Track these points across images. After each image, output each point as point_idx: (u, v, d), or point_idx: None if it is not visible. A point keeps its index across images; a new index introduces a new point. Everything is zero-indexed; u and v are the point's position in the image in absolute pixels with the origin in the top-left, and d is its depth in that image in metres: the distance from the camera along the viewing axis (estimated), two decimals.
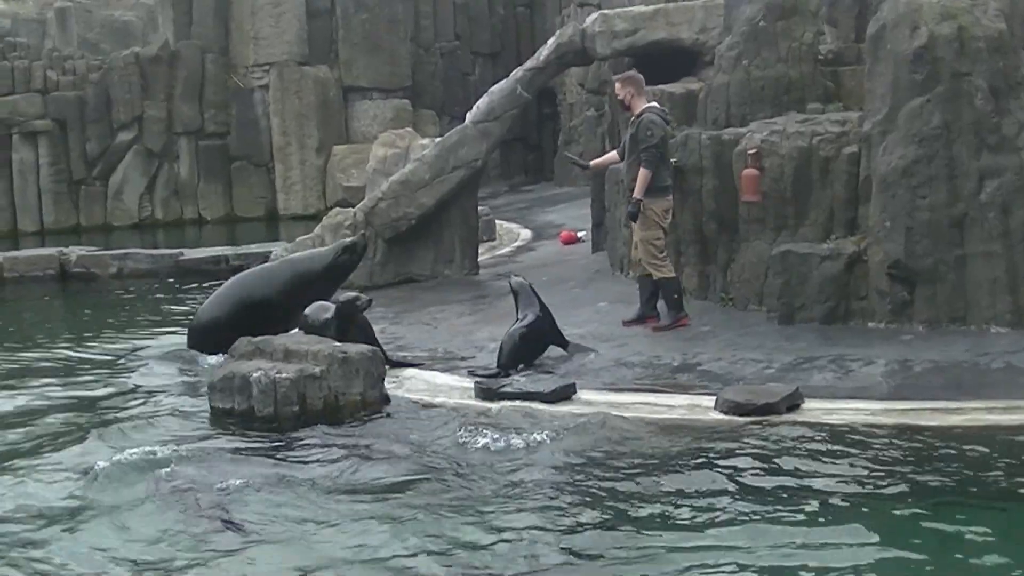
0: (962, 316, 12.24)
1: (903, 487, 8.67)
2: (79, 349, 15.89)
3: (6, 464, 10.52)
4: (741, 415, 10.43)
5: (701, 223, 14.20)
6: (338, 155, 32.37)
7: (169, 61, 32.44)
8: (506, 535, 8.18)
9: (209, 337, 14.41)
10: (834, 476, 8.91)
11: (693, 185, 14.17)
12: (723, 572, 7.44)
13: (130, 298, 20.61)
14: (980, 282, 12.17)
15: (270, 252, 19.42)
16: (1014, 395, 10.47)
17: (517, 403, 11.13)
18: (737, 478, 9.00)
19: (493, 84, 19.05)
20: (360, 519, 8.63)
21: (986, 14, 12.53)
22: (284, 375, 11.42)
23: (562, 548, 7.95)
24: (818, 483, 8.79)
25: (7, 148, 31.58)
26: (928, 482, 8.77)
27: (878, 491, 8.59)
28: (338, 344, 11.88)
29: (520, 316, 12.83)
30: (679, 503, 8.61)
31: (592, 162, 15.62)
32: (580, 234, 20.74)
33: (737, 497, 8.63)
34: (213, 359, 13.78)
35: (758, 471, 9.12)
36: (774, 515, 8.26)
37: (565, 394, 11.30)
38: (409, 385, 12.24)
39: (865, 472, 8.98)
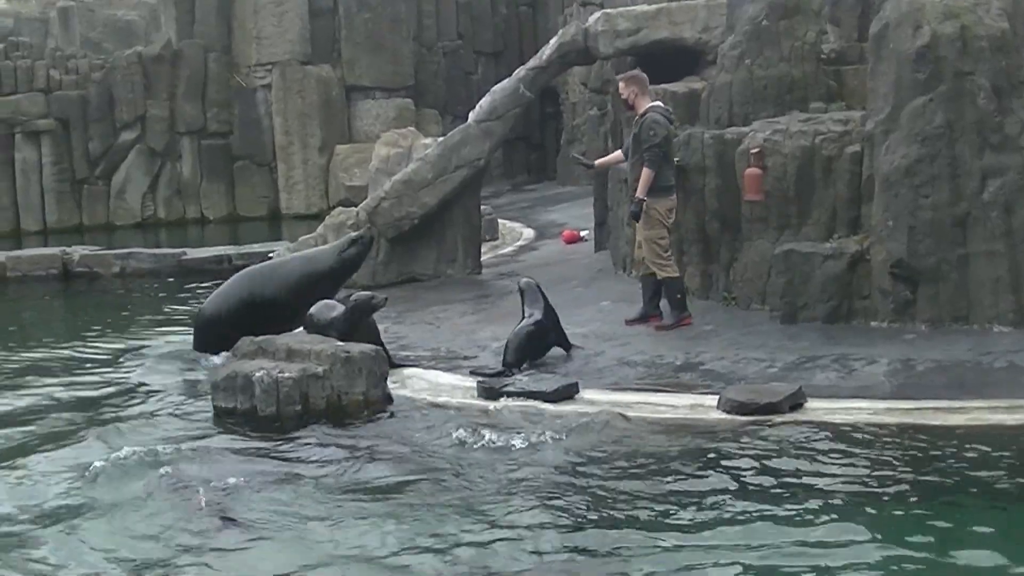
0: (965, 315, 12.23)
1: (905, 487, 8.67)
2: (81, 348, 15.90)
3: (6, 463, 10.54)
4: (744, 414, 10.43)
5: (704, 222, 14.20)
6: (341, 154, 32.35)
7: (172, 60, 32.42)
8: (508, 534, 8.19)
9: (213, 335, 14.41)
10: (837, 475, 8.91)
11: (696, 184, 14.17)
12: (725, 571, 7.44)
13: (133, 297, 20.62)
14: (983, 281, 12.17)
15: (273, 251, 19.43)
16: (1016, 394, 10.47)
17: (520, 402, 11.15)
18: (739, 477, 9.00)
19: (496, 83, 19.03)
20: (361, 518, 8.64)
21: (989, 13, 12.53)
22: (287, 374, 11.42)
23: (564, 547, 7.96)
24: (820, 482, 8.79)
25: (10, 147, 31.55)
26: (930, 481, 8.77)
27: (880, 491, 8.59)
28: (341, 344, 11.88)
29: (526, 314, 12.83)
30: (681, 502, 8.61)
31: (597, 161, 15.63)
32: (583, 233, 20.72)
33: (739, 496, 8.63)
34: (217, 359, 13.78)
35: (760, 470, 9.12)
36: (776, 514, 8.26)
37: (568, 393, 11.30)
38: (412, 384, 12.24)
39: (867, 472, 8.98)
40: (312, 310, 13.10)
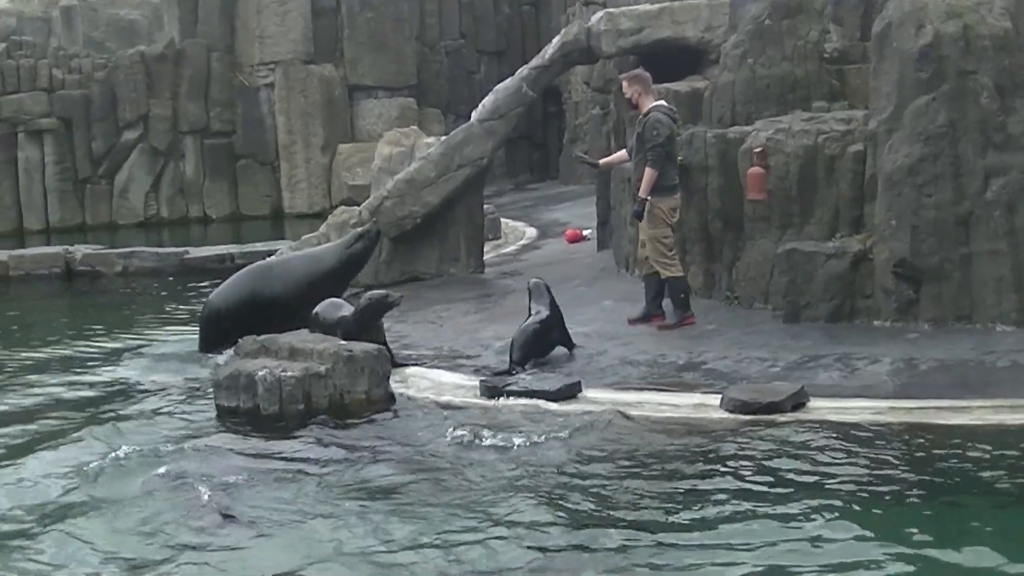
0: (968, 314, 12.23)
1: (908, 486, 8.67)
2: (83, 347, 15.91)
3: (8, 461, 10.55)
4: (746, 414, 10.43)
5: (706, 221, 14.20)
6: (343, 153, 32.36)
7: (175, 60, 32.43)
8: (510, 532, 8.19)
9: (216, 332, 14.43)
10: (839, 475, 8.91)
11: (698, 183, 14.16)
12: (727, 569, 7.44)
13: (135, 296, 20.62)
14: (986, 280, 12.17)
15: (276, 250, 19.43)
16: (1020, 393, 10.46)
17: (522, 401, 11.15)
18: (742, 477, 9.00)
19: (498, 82, 19.02)
20: (363, 516, 8.64)
21: (992, 12, 12.52)
22: (289, 373, 11.43)
23: (567, 545, 7.95)
24: (823, 482, 8.78)
25: (13, 147, 31.59)
26: (933, 481, 8.77)
27: (883, 490, 8.59)
28: (343, 343, 11.89)
29: (532, 312, 12.84)
30: (683, 501, 8.61)
31: (602, 160, 15.64)
32: (585, 232, 20.72)
33: (741, 495, 8.63)
34: (221, 358, 13.78)
35: (763, 470, 9.12)
36: (778, 513, 8.26)
37: (571, 392, 11.30)
38: (414, 383, 12.24)
39: (870, 471, 8.97)
40: (318, 309, 13.08)
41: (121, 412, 12.05)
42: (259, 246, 22.71)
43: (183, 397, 12.61)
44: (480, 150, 17.81)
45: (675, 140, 13.55)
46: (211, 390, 12.27)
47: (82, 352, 15.54)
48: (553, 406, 10.99)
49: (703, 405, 10.82)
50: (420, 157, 19.07)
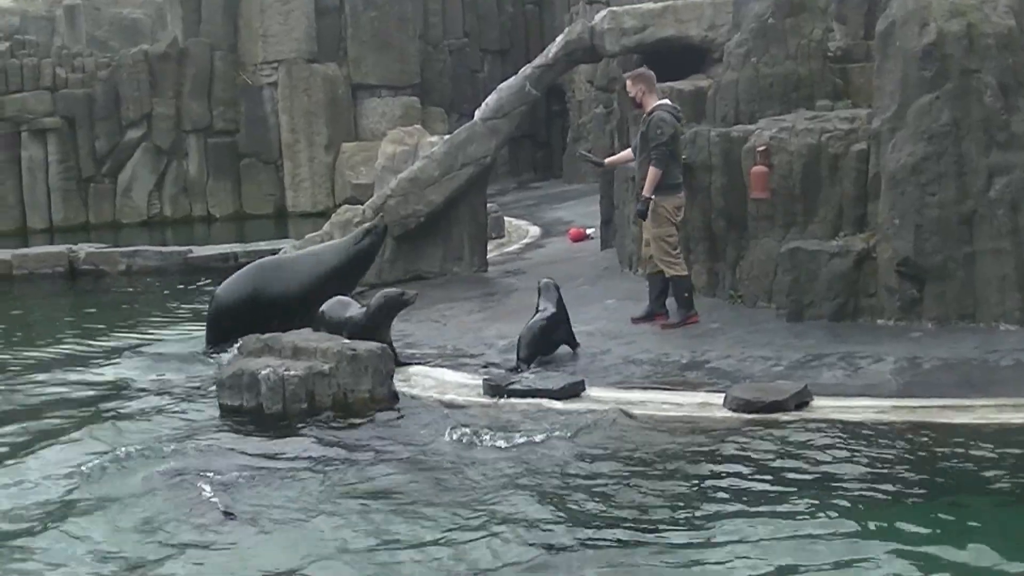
0: (971, 313, 12.23)
1: (911, 485, 8.67)
2: (87, 345, 15.92)
3: (9, 459, 10.57)
4: (750, 413, 10.42)
5: (710, 220, 14.19)
6: (347, 152, 32.36)
7: (178, 58, 32.45)
8: (513, 531, 8.19)
9: (224, 327, 14.49)
10: (842, 474, 8.90)
11: (702, 182, 14.16)
12: (730, 568, 7.44)
13: (139, 295, 20.63)
14: (989, 279, 12.16)
15: (279, 249, 19.44)
16: (1023, 392, 10.45)
17: (526, 400, 11.15)
18: (744, 475, 9.00)
19: (502, 81, 19.03)
20: (365, 515, 8.64)
21: (995, 11, 12.51)
22: (293, 372, 11.43)
23: (569, 544, 7.95)
24: (826, 481, 8.78)
25: (16, 146, 31.61)
26: (936, 480, 8.76)
27: (886, 489, 8.58)
28: (347, 342, 11.89)
29: (539, 309, 12.84)
30: (686, 500, 8.61)
31: (607, 160, 15.63)
32: (589, 231, 20.72)
33: (744, 494, 8.63)
34: (225, 357, 13.79)
35: (765, 469, 9.11)
36: (781, 512, 8.26)
37: (574, 391, 11.30)
38: (418, 382, 12.24)
39: (873, 470, 8.97)
40: (324, 307, 13.06)
41: (124, 411, 12.05)
42: (263, 245, 22.72)
43: (186, 396, 12.61)
44: (483, 149, 17.81)
45: (679, 139, 13.55)
46: (212, 387, 12.29)
47: (85, 351, 15.55)
48: (556, 405, 10.99)
49: (706, 404, 10.82)
50: (424, 156, 19.08)
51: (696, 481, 8.99)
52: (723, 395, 10.80)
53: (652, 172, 13.16)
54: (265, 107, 32.84)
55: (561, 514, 8.47)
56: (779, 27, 14.48)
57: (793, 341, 12.34)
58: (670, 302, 13.52)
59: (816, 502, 8.38)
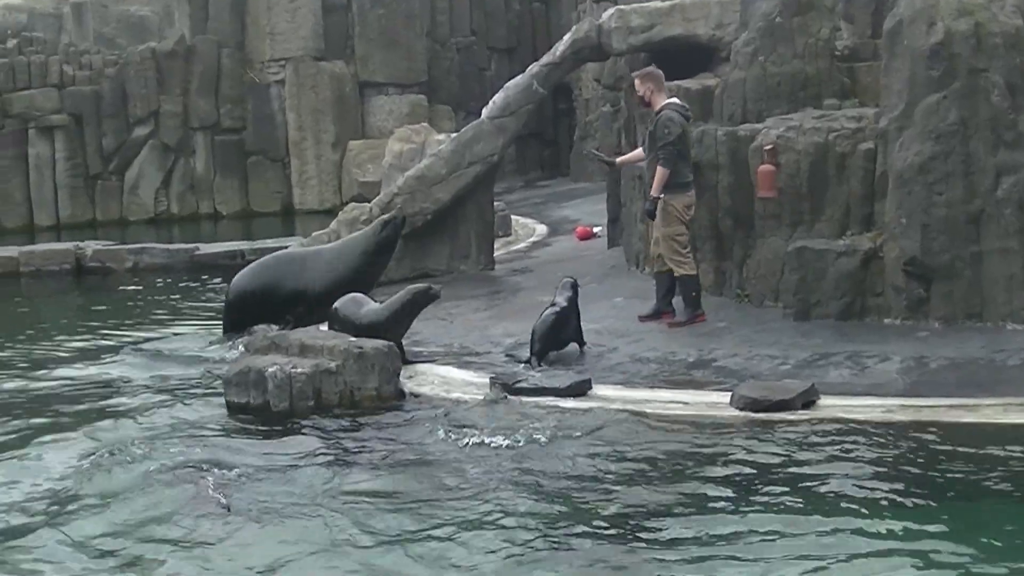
0: (978, 313, 12.22)
1: (917, 484, 8.65)
2: (94, 342, 15.95)
3: (13, 454, 10.59)
4: (756, 411, 10.42)
5: (717, 219, 14.20)
6: (354, 150, 32.38)
7: (185, 56, 32.48)
8: (518, 529, 8.19)
9: (242, 317, 14.62)
10: (848, 473, 8.89)
11: (709, 181, 14.16)
12: (736, 566, 7.44)
13: (145, 292, 20.65)
14: (996, 279, 12.16)
15: (286, 247, 19.44)
16: None
17: (533, 398, 11.15)
18: (750, 474, 9.00)
19: (509, 79, 19.03)
20: (368, 512, 8.65)
21: (1003, 10, 12.51)
22: (300, 370, 11.45)
23: (574, 542, 7.95)
24: (832, 480, 8.77)
25: (23, 143, 31.64)
26: (942, 479, 8.75)
27: (892, 488, 8.57)
28: (353, 339, 11.89)
29: (551, 303, 12.84)
30: (692, 498, 8.61)
31: (618, 159, 15.60)
32: (596, 229, 20.73)
33: (749, 492, 8.63)
34: (230, 355, 13.82)
35: (772, 467, 9.11)
36: (787, 511, 8.26)
37: (581, 390, 11.31)
38: (425, 380, 12.25)
39: (879, 469, 8.96)
40: (337, 304, 12.98)
41: (130, 408, 12.06)
42: (270, 242, 22.75)
43: (192, 393, 12.62)
44: (491, 147, 17.82)
45: (688, 138, 13.54)
46: (217, 383, 12.31)
47: (92, 348, 15.58)
48: (563, 403, 10.99)
49: (713, 403, 10.82)
50: (431, 154, 19.10)
51: (702, 479, 8.98)
52: (730, 394, 10.79)
53: (660, 172, 13.16)
54: (272, 105, 32.89)
55: (567, 512, 8.48)
56: (786, 26, 14.47)
57: (800, 340, 12.34)
58: (677, 300, 13.52)
59: (822, 501, 8.38)
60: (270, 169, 33.07)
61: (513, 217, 24.04)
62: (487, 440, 10.05)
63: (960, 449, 9.31)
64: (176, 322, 17.25)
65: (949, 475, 8.82)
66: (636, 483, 8.99)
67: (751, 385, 10.99)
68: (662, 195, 13.20)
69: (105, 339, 16.11)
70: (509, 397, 11.20)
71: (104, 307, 19.41)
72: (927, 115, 12.38)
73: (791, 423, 10.11)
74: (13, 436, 11.25)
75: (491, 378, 11.74)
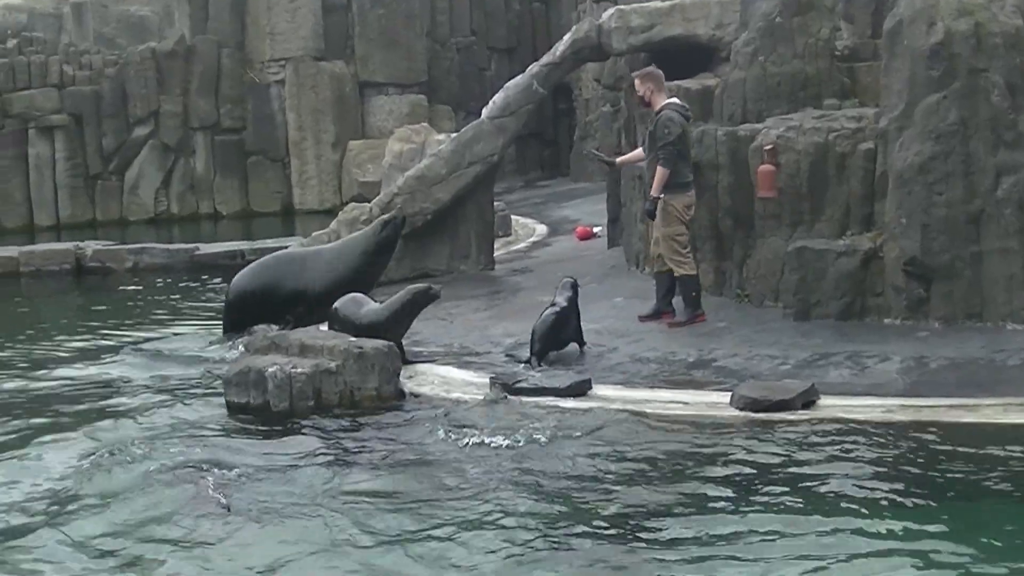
0: (978, 313, 12.22)
1: (917, 484, 8.65)
2: (93, 342, 15.95)
3: (12, 454, 10.59)
4: (756, 411, 10.42)
5: (717, 219, 14.20)
6: (354, 150, 32.38)
7: (185, 56, 32.49)
8: (518, 529, 8.19)
9: (241, 317, 14.62)
10: (848, 473, 8.89)
11: (709, 181, 14.16)
12: (736, 567, 7.44)
13: (145, 292, 20.65)
14: (996, 279, 12.16)
15: (286, 247, 19.44)
16: None
17: (532, 398, 11.15)
18: (750, 474, 9.00)
19: (509, 79, 19.03)
20: (367, 511, 8.65)
21: (1003, 10, 12.51)
22: (300, 370, 11.45)
23: (574, 542, 7.95)
24: (832, 480, 8.77)
25: (23, 143, 31.64)
26: (942, 479, 8.75)
27: (892, 488, 8.57)
28: (353, 339, 11.89)
29: (551, 303, 12.84)
30: (692, 499, 8.60)
31: (619, 159, 15.59)
32: (596, 229, 20.73)
33: (749, 492, 8.63)
34: (230, 355, 13.82)
35: (772, 467, 9.11)
36: (787, 511, 8.26)
37: (580, 390, 11.31)
38: (425, 380, 12.25)
39: (879, 469, 8.96)
40: (337, 304, 12.98)
41: (130, 408, 12.06)
42: (270, 242, 22.75)
43: (193, 393, 12.62)
44: (490, 147, 17.82)
45: (688, 138, 13.54)
46: (217, 383, 12.31)
47: (91, 348, 15.58)
48: (563, 403, 10.99)
49: (713, 403, 10.82)
50: (431, 154, 19.10)
51: (702, 479, 8.98)
52: (730, 394, 10.80)
53: (659, 172, 13.17)
54: (272, 105, 32.89)
55: (567, 512, 8.48)
56: (786, 26, 14.47)
57: (800, 340, 12.34)
58: (677, 301, 13.52)
59: (821, 501, 8.38)
60: (270, 169, 33.08)
61: (513, 217, 24.04)
62: (487, 440, 10.06)
63: (960, 449, 9.31)
64: (176, 322, 17.24)
65: (949, 475, 8.83)
66: (636, 483, 8.99)
67: (751, 385, 10.99)
68: (662, 195, 13.21)
69: (105, 339, 16.11)
70: (509, 397, 11.20)
71: (104, 307, 19.42)
72: (927, 115, 12.38)
73: (791, 423, 10.11)
74: (13, 436, 11.25)
75: (491, 378, 11.75)
